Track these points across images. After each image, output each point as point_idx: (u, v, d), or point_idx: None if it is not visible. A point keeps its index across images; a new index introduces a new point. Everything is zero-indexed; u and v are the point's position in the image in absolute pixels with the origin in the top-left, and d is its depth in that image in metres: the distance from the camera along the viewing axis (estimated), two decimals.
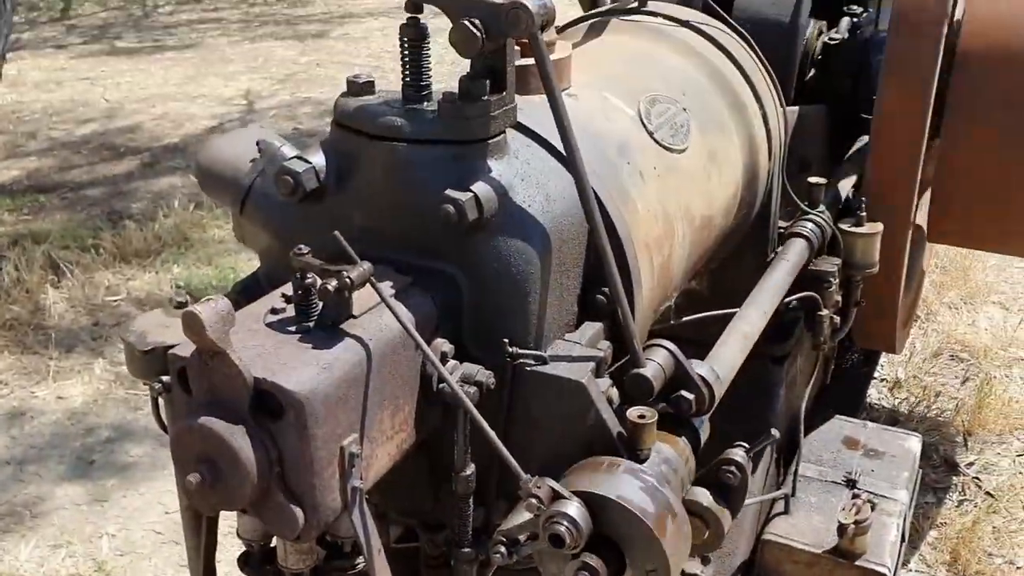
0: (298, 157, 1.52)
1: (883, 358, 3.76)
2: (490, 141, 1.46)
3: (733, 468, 1.51)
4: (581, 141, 1.61)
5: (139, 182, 6.07)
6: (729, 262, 2.37)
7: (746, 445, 1.55)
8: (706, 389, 1.55)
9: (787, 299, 2.25)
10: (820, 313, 2.30)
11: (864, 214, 2.39)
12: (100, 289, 4.66)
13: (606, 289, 1.58)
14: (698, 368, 1.57)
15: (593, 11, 2.34)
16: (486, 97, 1.44)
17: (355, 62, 8.64)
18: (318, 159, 1.51)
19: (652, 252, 1.73)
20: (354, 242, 1.44)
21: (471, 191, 1.40)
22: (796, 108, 2.55)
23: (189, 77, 8.37)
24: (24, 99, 7.77)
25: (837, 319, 2.38)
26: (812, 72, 2.96)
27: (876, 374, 3.77)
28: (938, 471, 3.29)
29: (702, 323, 2.03)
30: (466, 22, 1.39)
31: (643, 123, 1.85)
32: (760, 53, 2.29)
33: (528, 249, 1.45)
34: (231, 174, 1.65)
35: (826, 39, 2.97)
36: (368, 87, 1.54)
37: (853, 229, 2.37)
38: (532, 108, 1.63)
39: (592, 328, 1.57)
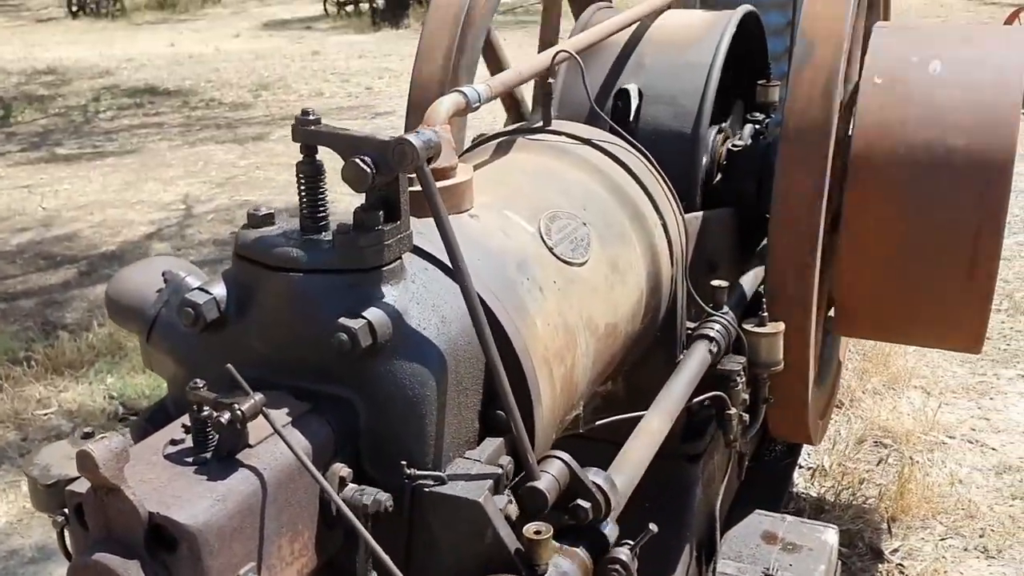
0: (200, 288, 1.57)
1: (807, 447, 3.84)
2: (384, 268, 1.53)
3: (618, 567, 1.56)
4: (480, 260, 1.69)
5: (75, 291, 6.06)
6: (641, 364, 2.44)
7: (630, 542, 1.60)
8: (602, 497, 1.60)
9: (696, 399, 2.34)
10: (728, 412, 2.38)
11: (766, 314, 2.49)
12: (30, 403, 4.61)
13: (500, 410, 1.65)
14: (594, 477, 1.62)
15: (501, 130, 2.45)
16: (380, 227, 1.51)
17: (293, 163, 8.73)
18: (219, 290, 1.56)
19: (553, 364, 1.80)
20: (256, 369, 1.50)
21: (364, 318, 1.45)
22: (699, 214, 2.67)
23: (128, 183, 8.41)
24: None
25: (747, 417, 2.46)
26: (719, 177, 3.10)
27: (801, 462, 3.85)
28: (864, 559, 3.35)
29: (617, 424, 2.10)
30: (357, 160, 1.47)
31: (543, 239, 1.94)
32: (658, 167, 2.40)
33: (423, 371, 1.51)
34: (138, 304, 1.70)
35: (730, 145, 3.12)
36: (268, 219, 1.60)
37: (756, 329, 2.47)
38: (433, 231, 1.70)
39: (492, 444, 1.63)
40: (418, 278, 1.59)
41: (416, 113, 2.87)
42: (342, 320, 1.44)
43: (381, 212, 1.52)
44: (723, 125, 3.11)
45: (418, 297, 1.56)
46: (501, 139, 2.38)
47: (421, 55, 2.93)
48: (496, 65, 3.28)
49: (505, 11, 16.50)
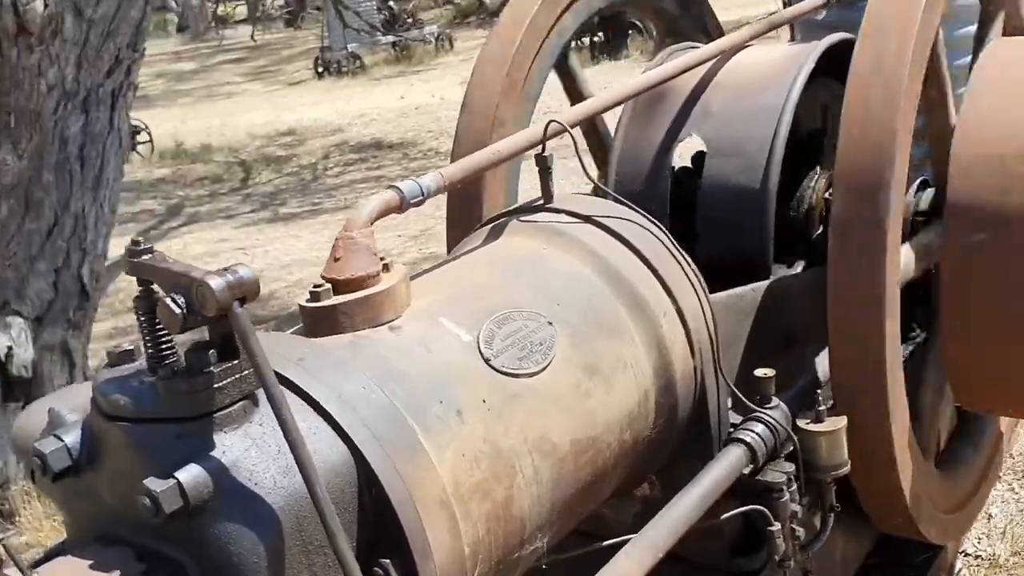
0: (55, 435, 1.47)
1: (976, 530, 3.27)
2: (217, 414, 1.37)
3: None
4: (366, 389, 1.50)
5: None
6: (677, 465, 2.13)
7: None
8: None
9: (727, 515, 2.01)
10: (770, 528, 2.01)
11: (823, 408, 2.10)
12: None
13: (385, 561, 1.44)
14: None
15: (504, 210, 2.23)
16: (211, 368, 1.36)
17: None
18: (72, 437, 1.46)
19: (470, 502, 1.56)
20: (109, 522, 1.40)
21: (174, 478, 1.30)
22: (744, 288, 2.31)
23: (332, 240, 8.76)
24: None
25: (801, 531, 2.07)
26: (819, 229, 2.71)
27: (969, 548, 3.29)
28: None
29: None
30: (168, 300, 1.32)
31: (480, 349, 1.70)
32: (674, 243, 2.08)
33: (248, 534, 1.33)
34: (29, 443, 1.63)
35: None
36: (126, 356, 1.48)
37: (811, 427, 2.09)
38: (317, 357, 1.53)
39: None
40: (267, 421, 1.41)
41: (459, 151, 2.69)
42: (146, 482, 1.29)
43: (213, 351, 1.37)
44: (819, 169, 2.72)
45: (260, 444, 1.39)
46: (497, 222, 2.16)
47: (471, 86, 2.76)
48: (576, 96, 3.05)
49: None
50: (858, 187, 2.09)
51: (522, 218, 2.11)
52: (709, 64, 2.75)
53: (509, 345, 1.74)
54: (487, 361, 1.70)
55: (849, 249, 2.11)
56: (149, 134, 14.23)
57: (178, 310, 1.31)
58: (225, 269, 1.30)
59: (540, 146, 2.11)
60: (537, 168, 2.13)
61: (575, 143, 2.11)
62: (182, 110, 18.95)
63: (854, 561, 2.63)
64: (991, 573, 3.21)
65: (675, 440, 2.07)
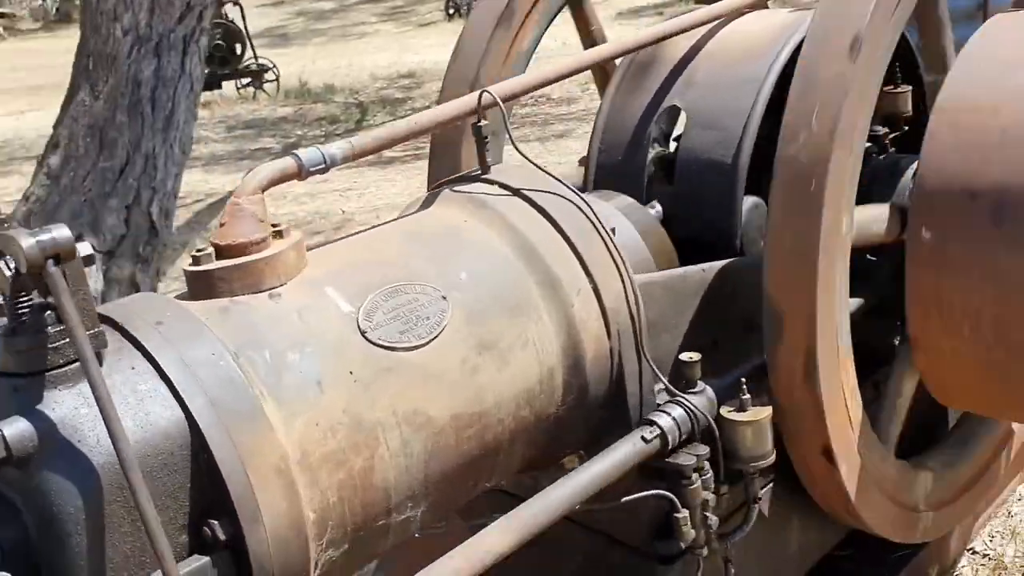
0: None
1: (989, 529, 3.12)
2: (51, 372, 1.44)
3: None
4: (215, 356, 1.55)
5: None
6: (600, 442, 2.11)
7: None
8: None
9: (632, 496, 1.99)
10: (676, 515, 1.98)
11: (747, 396, 2.04)
12: None
13: (213, 522, 1.49)
14: None
15: (448, 178, 2.22)
16: (45, 329, 1.43)
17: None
18: None
19: (319, 470, 1.60)
20: None
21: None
22: (669, 272, 2.24)
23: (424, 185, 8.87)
24: (278, 212, 8.64)
25: (714, 519, 2.03)
26: None
27: (977, 547, 3.14)
28: None
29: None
30: (1, 262, 1.39)
31: (359, 321, 1.72)
32: (600, 222, 2.03)
33: (70, 487, 1.40)
34: None
35: None
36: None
37: (732, 416, 2.03)
38: (176, 322, 1.58)
39: (188, 566, 1.47)
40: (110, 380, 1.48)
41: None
42: None
43: (47, 312, 1.44)
44: None
45: (91, 403, 1.44)
46: (433, 191, 2.16)
47: (457, 51, 2.74)
48: (590, 41, 2.98)
49: None
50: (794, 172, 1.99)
51: (455, 188, 2.11)
52: (705, 30, 2.66)
53: (392, 318, 1.75)
54: (363, 333, 1.72)
55: (780, 223, 2.02)
56: (277, 74, 14.62)
57: (7, 270, 1.38)
58: (41, 228, 1.36)
59: (476, 117, 2.09)
60: (475, 137, 2.12)
61: (504, 116, 2.08)
62: (315, 49, 19.37)
63: (815, 552, 2.55)
64: (994, 574, 3.06)
65: (595, 418, 2.05)
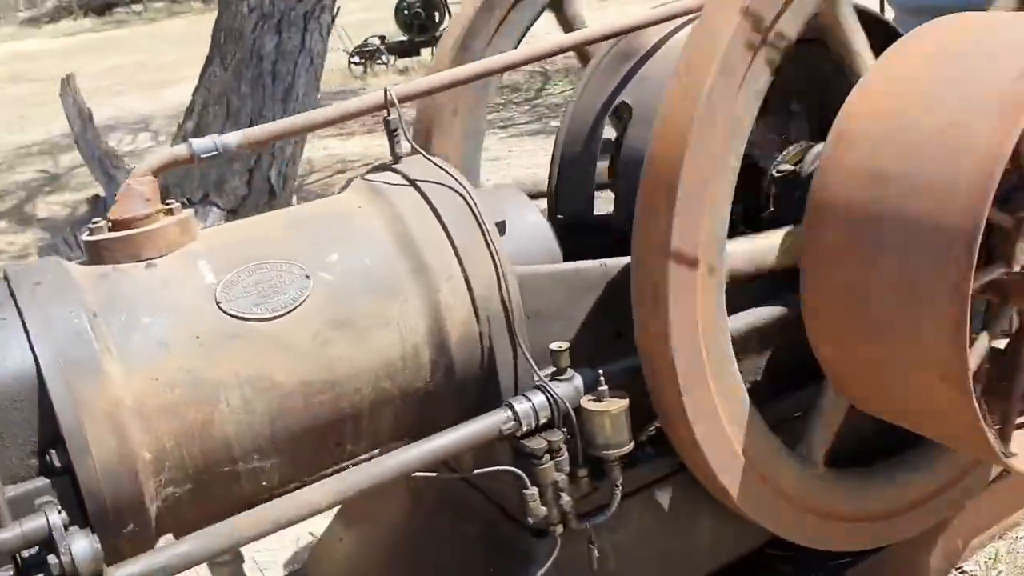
0: None
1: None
2: None
3: None
4: (70, 311, 1.85)
5: None
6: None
7: None
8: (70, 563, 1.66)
9: (481, 471, 2.15)
10: (524, 491, 2.12)
11: (604, 387, 2.13)
12: None
13: (51, 450, 1.80)
14: (74, 539, 1.68)
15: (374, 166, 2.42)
16: None
17: None
18: None
19: (155, 419, 1.86)
20: None
21: None
22: (554, 267, 2.32)
23: None
24: None
25: (567, 500, 2.15)
26: (770, 210, 2.62)
27: (968, 567, 3.04)
28: None
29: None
30: None
31: (216, 291, 1.97)
32: (480, 215, 2.17)
33: None
34: None
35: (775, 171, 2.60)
36: None
37: (588, 405, 2.14)
38: (53, 283, 1.89)
39: (37, 482, 1.79)
40: None
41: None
42: None
43: None
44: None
45: None
46: (354, 177, 2.37)
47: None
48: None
49: None
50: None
51: (366, 176, 2.31)
52: (677, 23, 2.71)
53: (250, 292, 1.99)
54: (218, 303, 1.96)
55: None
56: None
57: None
58: None
59: (385, 111, 2.28)
60: (386, 130, 2.31)
61: (399, 115, 2.25)
62: None
63: (732, 548, 2.58)
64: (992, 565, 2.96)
65: (470, 397, 2.21)
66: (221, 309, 1.96)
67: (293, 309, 2.01)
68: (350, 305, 2.05)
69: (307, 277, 2.04)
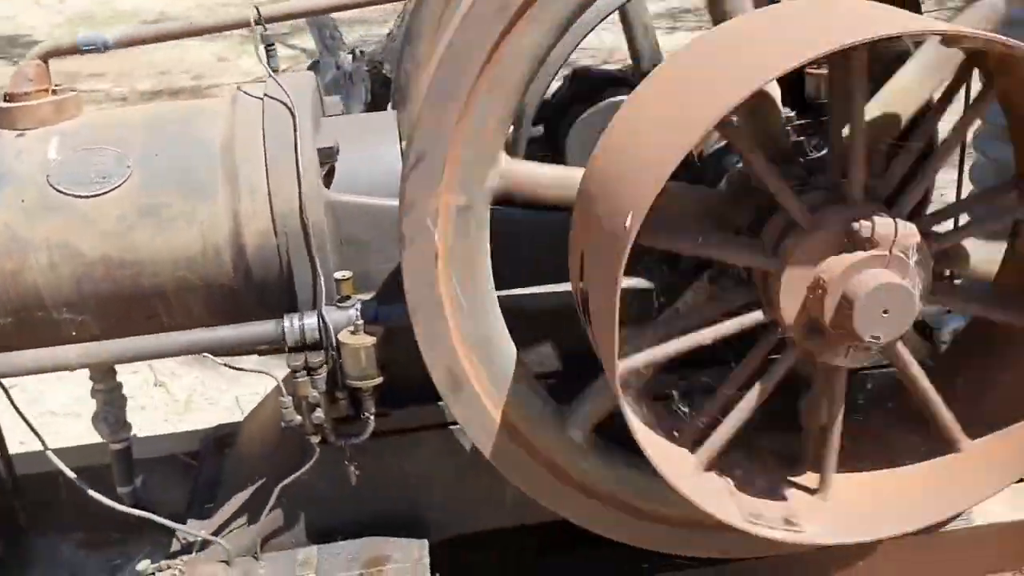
0: None
1: None
2: None
3: None
4: None
5: None
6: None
7: None
8: None
9: (245, 369, 2.38)
10: (280, 398, 2.30)
11: (361, 322, 2.24)
12: None
13: None
14: None
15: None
16: None
17: None
18: None
19: None
20: None
21: None
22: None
23: None
24: None
25: (319, 412, 2.30)
26: None
27: None
28: None
29: None
30: None
31: (50, 167, 2.32)
32: (298, 137, 2.31)
33: None
34: None
35: None
36: None
37: (341, 337, 2.25)
38: None
39: None
40: None
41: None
42: None
43: None
44: None
45: None
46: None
47: None
48: None
49: None
50: None
51: (243, 86, 2.53)
52: None
53: (74, 171, 2.32)
54: (47, 177, 2.32)
55: None
56: None
57: None
58: None
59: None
60: (264, 44, 2.49)
61: (256, 35, 2.41)
62: None
63: (538, 511, 2.53)
64: None
65: (271, 301, 2.39)
66: (49, 182, 2.32)
67: (107, 192, 2.31)
68: (158, 198, 2.32)
69: (128, 167, 2.33)
